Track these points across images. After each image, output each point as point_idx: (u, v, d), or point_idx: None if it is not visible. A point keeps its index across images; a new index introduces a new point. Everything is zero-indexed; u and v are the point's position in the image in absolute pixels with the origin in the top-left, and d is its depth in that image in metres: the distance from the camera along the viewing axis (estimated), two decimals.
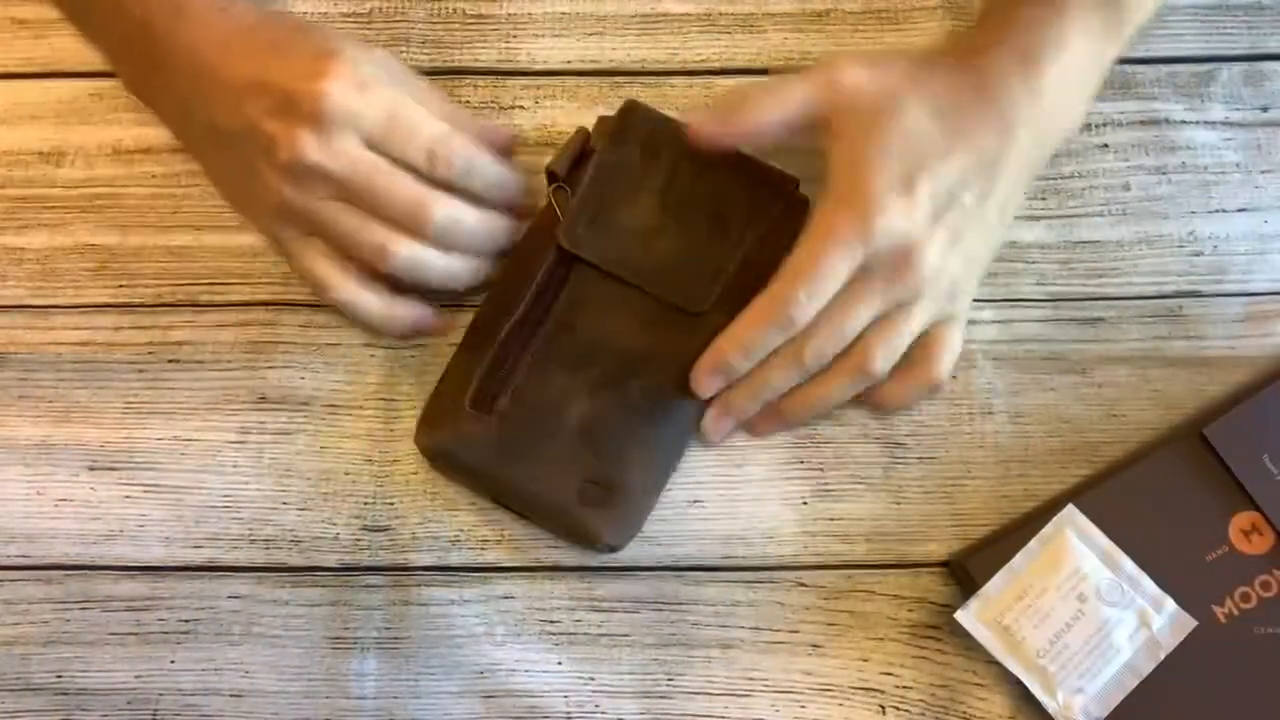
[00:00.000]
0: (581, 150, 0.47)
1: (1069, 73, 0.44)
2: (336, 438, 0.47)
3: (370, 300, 0.45)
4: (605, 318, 0.45)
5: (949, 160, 0.42)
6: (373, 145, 0.42)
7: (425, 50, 0.51)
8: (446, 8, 0.52)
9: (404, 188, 0.42)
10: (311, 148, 0.41)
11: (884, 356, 0.43)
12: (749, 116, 0.44)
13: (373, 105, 0.42)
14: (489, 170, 0.45)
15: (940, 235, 0.43)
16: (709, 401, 0.45)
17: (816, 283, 0.42)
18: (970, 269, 0.45)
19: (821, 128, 0.44)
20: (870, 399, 0.46)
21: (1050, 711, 0.43)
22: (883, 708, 0.45)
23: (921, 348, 0.45)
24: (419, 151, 0.42)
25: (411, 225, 0.43)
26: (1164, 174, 0.50)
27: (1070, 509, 0.45)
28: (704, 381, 0.44)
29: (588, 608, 0.46)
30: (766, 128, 0.44)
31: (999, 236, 0.46)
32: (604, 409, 0.44)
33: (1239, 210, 0.50)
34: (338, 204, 0.43)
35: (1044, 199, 0.50)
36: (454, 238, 0.44)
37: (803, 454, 0.47)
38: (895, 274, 0.42)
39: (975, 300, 0.48)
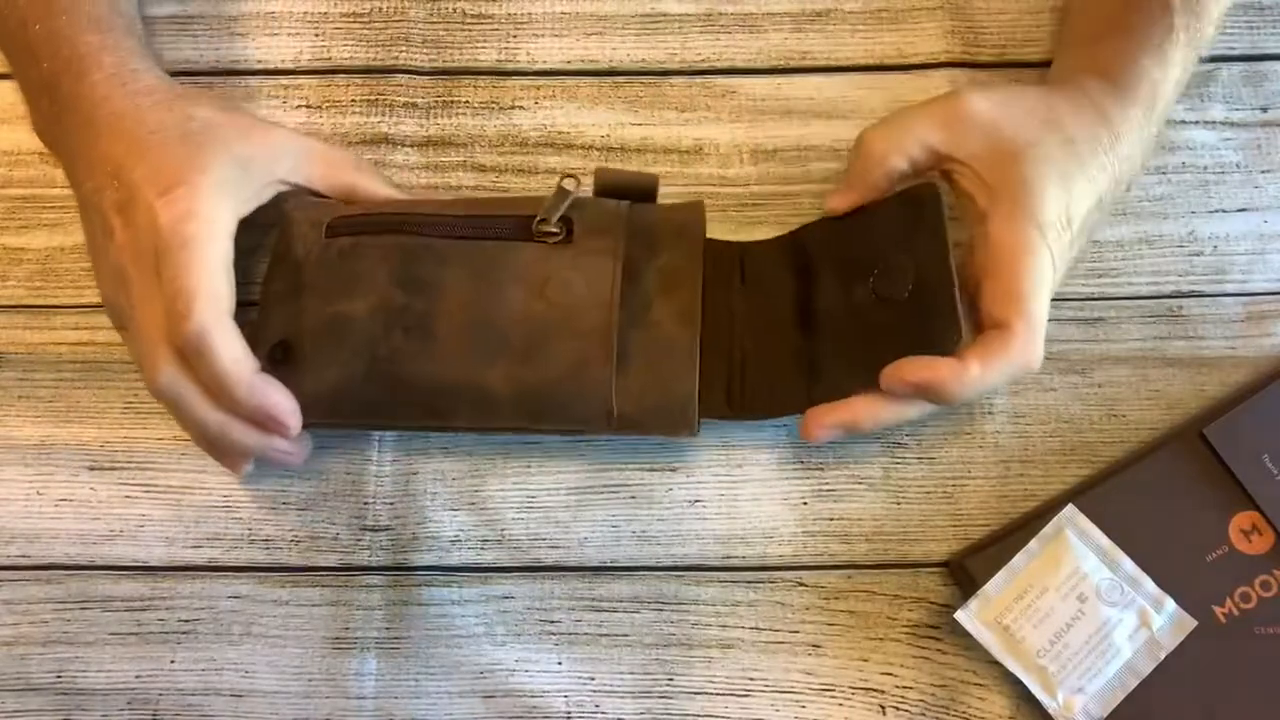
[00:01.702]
0: (640, 192, 0.46)
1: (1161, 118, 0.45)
2: (336, 438, 0.47)
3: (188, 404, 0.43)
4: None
5: (1080, 199, 0.43)
6: (157, 272, 0.41)
7: (425, 50, 0.51)
8: (446, 8, 0.52)
9: (146, 336, 0.41)
10: (129, 260, 0.41)
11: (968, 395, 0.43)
12: (875, 173, 0.44)
13: (178, 235, 0.40)
14: (215, 360, 0.40)
15: (1075, 251, 0.45)
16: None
17: (977, 390, 0.42)
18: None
19: (947, 165, 0.44)
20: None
21: (1050, 711, 0.43)
22: (883, 708, 0.45)
23: None
24: (172, 295, 0.40)
25: (170, 330, 0.41)
26: (1164, 174, 0.50)
27: (1070, 509, 0.45)
28: (821, 435, 0.43)
29: (588, 608, 0.46)
30: (891, 178, 0.44)
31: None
32: (367, 329, 0.43)
33: (1239, 210, 0.50)
34: (133, 313, 0.42)
35: None
36: (176, 409, 0.42)
37: (803, 454, 0.47)
38: (1019, 358, 0.42)
39: None
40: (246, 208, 0.43)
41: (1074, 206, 0.43)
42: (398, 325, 0.43)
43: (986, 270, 0.42)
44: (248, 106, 0.50)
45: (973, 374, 0.41)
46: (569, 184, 0.44)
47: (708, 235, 0.46)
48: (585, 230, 0.44)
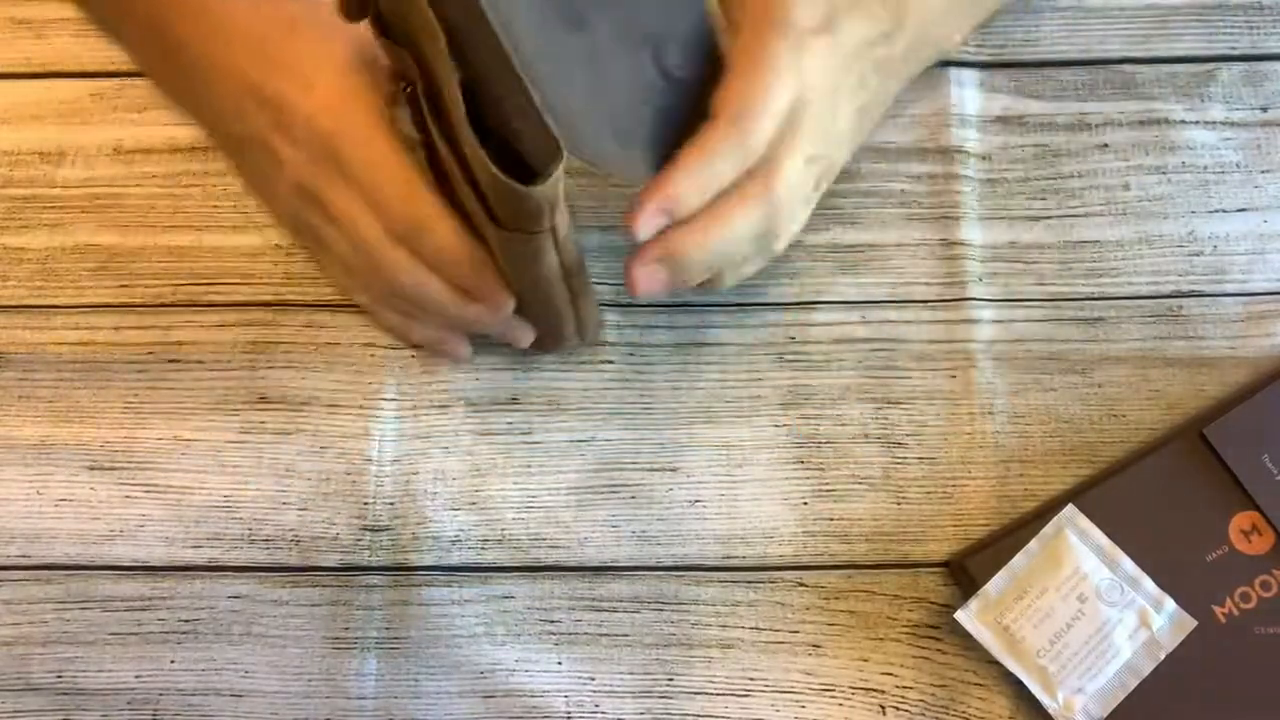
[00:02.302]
0: None
1: None
2: (336, 438, 0.47)
3: (389, 316, 0.47)
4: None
5: (855, 13, 0.43)
6: (346, 175, 0.41)
7: None
8: None
9: (368, 238, 0.42)
10: (309, 176, 0.41)
11: (786, 185, 0.42)
12: None
13: (346, 136, 0.41)
14: (433, 241, 0.41)
15: (853, 79, 0.44)
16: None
17: (772, 111, 0.40)
18: (862, 122, 0.46)
19: None
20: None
21: (1050, 711, 0.43)
22: (883, 708, 0.45)
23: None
24: (371, 194, 0.41)
25: (390, 225, 0.42)
26: (1164, 174, 0.50)
27: (1070, 509, 0.45)
28: (644, 223, 0.39)
29: (588, 608, 0.46)
30: None
31: (883, 99, 0.47)
32: None
33: (1239, 210, 0.50)
34: (331, 227, 0.43)
35: (1044, 199, 0.50)
36: (420, 300, 0.43)
37: (803, 454, 0.47)
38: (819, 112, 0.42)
39: (975, 300, 0.48)
40: (381, 89, 0.42)
41: (838, 18, 0.42)
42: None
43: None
44: None
45: (682, 171, 0.39)
46: None
47: None
48: None
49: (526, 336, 0.45)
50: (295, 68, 0.41)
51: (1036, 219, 0.50)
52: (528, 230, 0.38)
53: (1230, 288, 0.49)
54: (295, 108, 0.40)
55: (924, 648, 0.45)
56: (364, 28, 0.39)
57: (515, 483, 0.47)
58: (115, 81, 0.51)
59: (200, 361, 0.48)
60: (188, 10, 0.42)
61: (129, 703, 0.45)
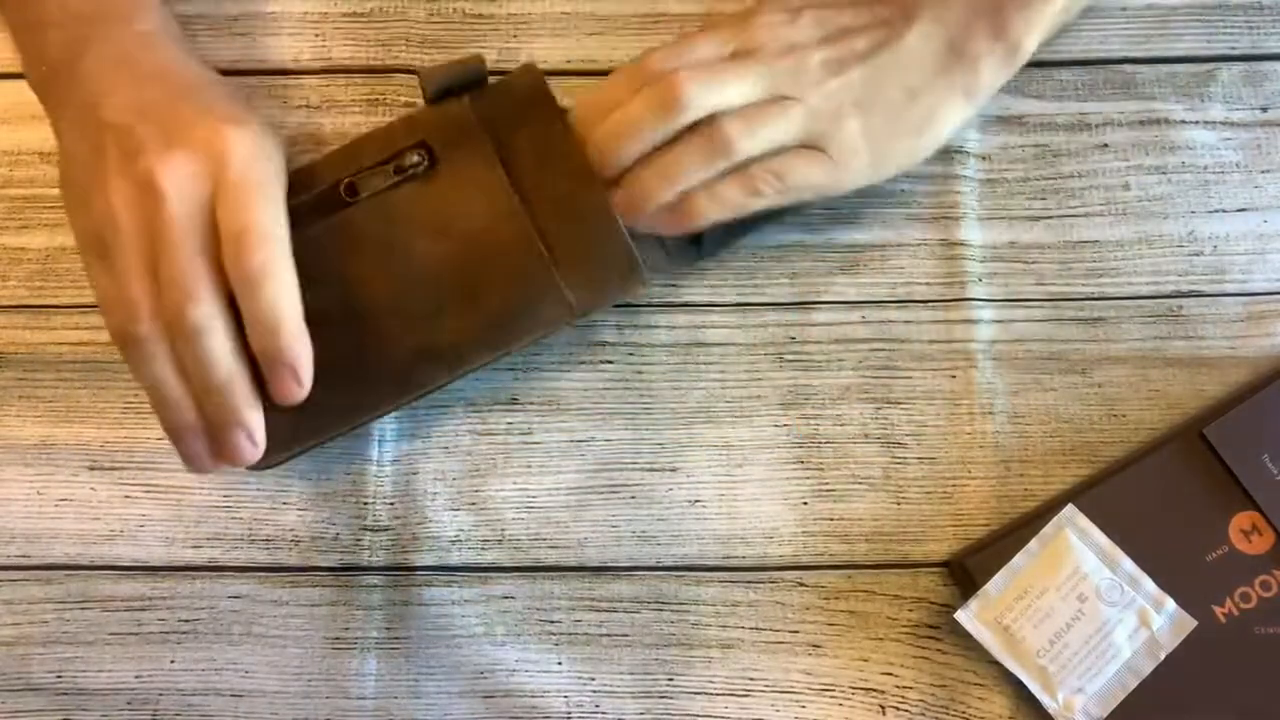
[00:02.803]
0: (470, 80, 0.45)
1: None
2: (337, 438, 0.47)
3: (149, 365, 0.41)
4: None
5: (840, 7, 0.45)
6: (213, 201, 0.40)
7: (425, 50, 0.51)
8: (446, 8, 0.52)
9: (187, 265, 0.39)
10: (168, 174, 0.39)
11: (742, 134, 0.43)
12: None
13: (250, 170, 0.40)
14: (275, 293, 0.39)
15: (829, 52, 0.44)
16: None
17: (689, 53, 0.43)
18: (868, 124, 0.44)
19: None
20: (678, 205, 0.44)
21: (1050, 711, 0.43)
22: (883, 708, 0.45)
23: (762, 160, 0.44)
24: (242, 226, 0.39)
25: (167, 302, 0.39)
26: (1164, 174, 0.50)
27: (1070, 509, 0.45)
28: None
29: (588, 608, 0.46)
30: None
31: (909, 129, 0.45)
32: None
33: (1239, 210, 0.50)
34: (139, 240, 0.39)
35: (1044, 199, 0.50)
36: (193, 347, 0.39)
37: (803, 454, 0.47)
38: (777, 60, 0.43)
39: (975, 300, 0.48)
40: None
41: None
42: (330, 329, 0.42)
43: None
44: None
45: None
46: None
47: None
48: (444, 146, 0.44)
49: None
50: (217, 106, 0.41)
51: (1036, 219, 0.50)
52: None
53: (1230, 288, 0.49)
54: (204, 124, 0.40)
55: (924, 648, 0.45)
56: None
57: (515, 483, 0.47)
58: None
59: None
60: (146, 32, 0.43)
61: (129, 703, 0.45)
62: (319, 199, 0.44)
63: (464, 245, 0.43)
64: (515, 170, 0.44)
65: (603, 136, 0.44)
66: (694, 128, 0.43)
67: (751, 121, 0.43)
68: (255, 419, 0.41)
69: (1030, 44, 0.45)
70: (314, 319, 0.41)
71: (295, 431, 0.43)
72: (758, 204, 0.44)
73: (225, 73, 0.51)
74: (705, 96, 0.43)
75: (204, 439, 0.41)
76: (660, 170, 0.44)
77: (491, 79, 0.46)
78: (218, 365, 0.40)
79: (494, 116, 0.44)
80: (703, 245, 0.47)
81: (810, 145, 0.44)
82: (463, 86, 0.45)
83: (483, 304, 0.43)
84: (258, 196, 0.40)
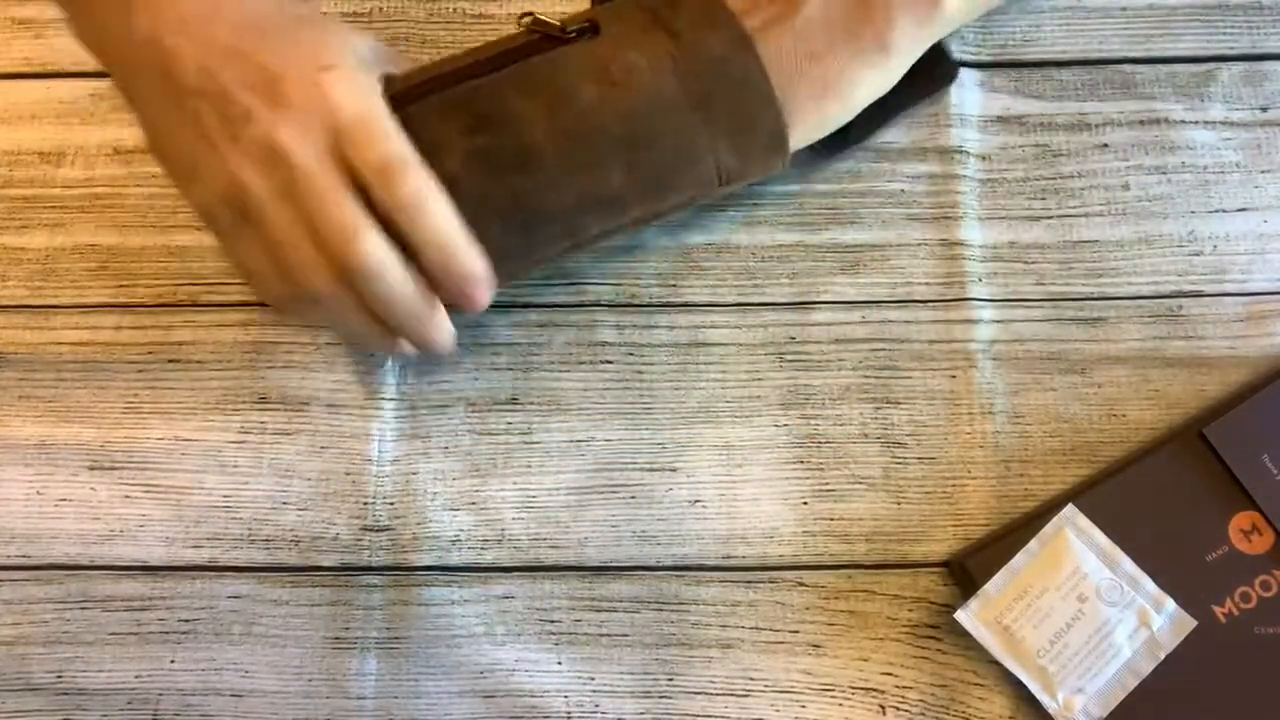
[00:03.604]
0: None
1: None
2: (336, 438, 0.47)
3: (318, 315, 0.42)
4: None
5: None
6: (337, 146, 0.39)
7: (425, 50, 0.51)
8: (446, 8, 0.52)
9: (341, 209, 0.38)
10: (287, 134, 0.38)
11: None
12: None
13: (360, 108, 0.39)
14: (435, 219, 0.40)
15: None
16: None
17: None
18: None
19: None
20: None
21: (1050, 711, 0.43)
22: (883, 708, 0.45)
23: None
24: (379, 161, 0.39)
25: (335, 253, 0.38)
26: (1164, 174, 0.50)
27: (1070, 509, 0.45)
28: None
29: (588, 608, 0.46)
30: None
31: (818, 90, 0.45)
32: (468, 184, 0.42)
33: (1239, 210, 0.50)
34: (283, 204, 0.38)
35: (1044, 199, 0.50)
36: (372, 287, 0.39)
37: (803, 454, 0.47)
38: None
39: (975, 300, 0.48)
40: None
41: None
42: (500, 168, 0.42)
43: None
44: None
45: None
46: (524, 21, 0.43)
47: None
48: (609, 19, 0.44)
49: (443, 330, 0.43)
50: (296, 49, 0.39)
51: (1036, 219, 0.50)
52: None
53: (1230, 288, 0.49)
54: (293, 75, 0.38)
55: (924, 648, 0.45)
56: (361, 35, 0.42)
57: (515, 483, 0.47)
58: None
59: (200, 361, 0.48)
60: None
61: (129, 703, 0.45)
62: (492, 56, 0.43)
63: (626, 96, 0.43)
64: (674, 35, 0.44)
65: None
66: None
67: None
68: (446, 325, 0.43)
69: (951, 7, 0.45)
70: (490, 157, 0.42)
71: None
72: None
73: None
74: None
75: (406, 344, 0.44)
76: None
77: None
78: (403, 298, 0.40)
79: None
80: (850, 134, 0.48)
81: None
82: None
83: (642, 158, 0.43)
84: (381, 128, 0.39)
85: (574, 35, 0.43)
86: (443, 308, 0.42)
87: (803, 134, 0.45)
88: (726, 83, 0.43)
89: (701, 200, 0.46)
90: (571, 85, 0.42)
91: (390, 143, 0.39)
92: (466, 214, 0.41)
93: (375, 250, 0.39)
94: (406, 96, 0.42)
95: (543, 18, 0.43)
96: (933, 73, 0.49)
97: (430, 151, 0.41)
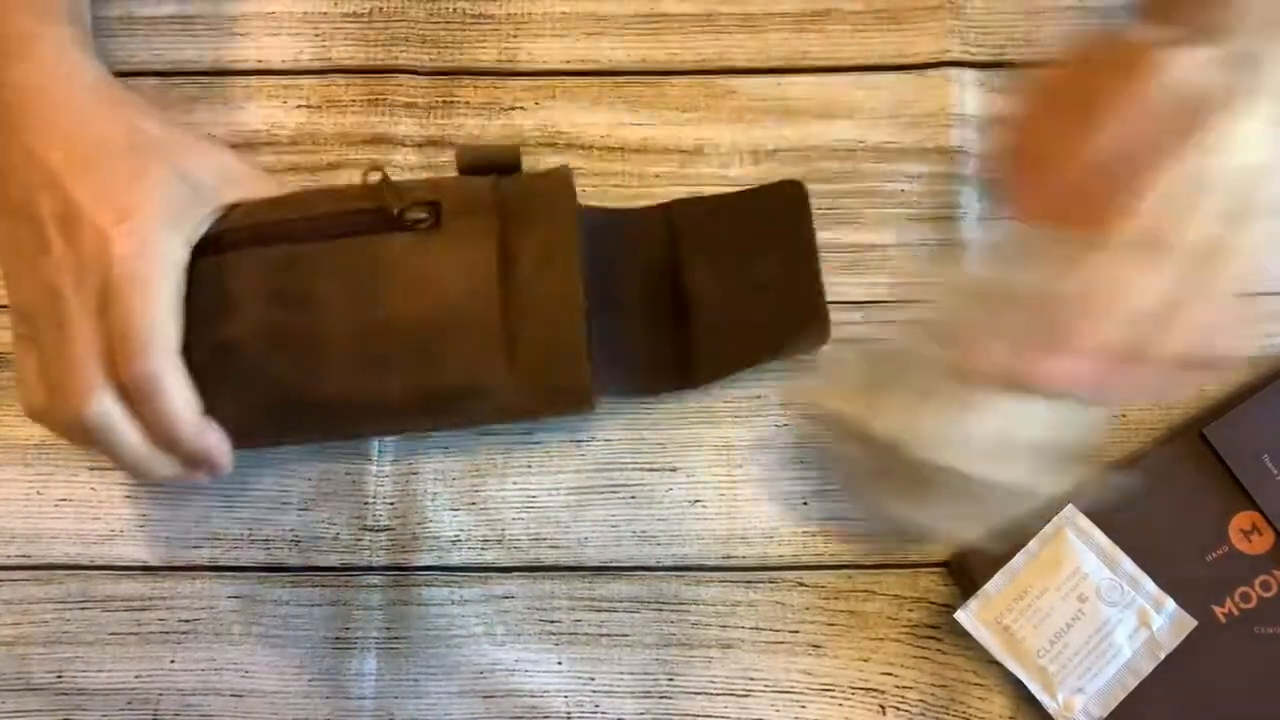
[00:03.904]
0: (503, 164, 0.45)
1: None
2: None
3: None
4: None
5: None
6: (103, 303, 0.39)
7: (425, 50, 0.51)
8: (446, 8, 0.52)
9: (81, 366, 0.39)
10: (66, 278, 0.39)
11: None
12: None
13: (132, 272, 0.39)
14: (164, 403, 0.40)
15: None
16: None
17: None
18: None
19: None
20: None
21: (1050, 711, 0.43)
22: (883, 708, 0.45)
23: None
24: (124, 334, 0.39)
25: (70, 403, 0.39)
26: None
27: (1070, 509, 0.45)
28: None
29: (588, 608, 0.46)
30: None
31: None
32: (253, 353, 0.42)
33: None
34: (54, 335, 0.40)
35: None
36: (103, 440, 0.40)
37: (803, 454, 0.47)
38: None
39: None
40: (196, 234, 0.41)
41: None
42: (284, 346, 0.42)
43: None
44: (247, 106, 0.50)
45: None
46: (373, 177, 0.43)
47: (582, 204, 0.45)
48: (453, 212, 0.43)
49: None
50: (111, 187, 0.40)
51: None
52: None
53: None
54: (90, 221, 0.39)
55: (924, 648, 0.45)
56: (209, 161, 0.42)
57: (515, 483, 0.47)
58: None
59: None
60: (20, 74, 0.41)
61: (129, 703, 0.45)
62: (321, 218, 0.43)
63: (431, 310, 0.42)
64: (509, 260, 0.43)
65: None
66: None
67: None
68: (209, 460, 0.42)
69: None
70: (277, 331, 0.42)
71: (233, 435, 0.42)
72: None
73: (226, 73, 0.51)
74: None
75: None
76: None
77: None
78: (135, 456, 0.41)
79: (512, 203, 0.44)
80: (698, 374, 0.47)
81: None
82: (494, 168, 0.45)
83: (428, 374, 0.42)
84: (141, 297, 0.39)
85: (411, 225, 0.42)
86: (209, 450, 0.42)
87: None
88: (540, 324, 0.42)
89: (486, 425, 0.46)
90: (379, 286, 0.42)
91: (143, 318, 0.39)
92: (241, 380, 0.42)
93: (100, 414, 0.39)
94: (227, 240, 0.42)
95: (390, 182, 0.43)
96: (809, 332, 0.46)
97: (229, 307, 0.41)
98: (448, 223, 0.43)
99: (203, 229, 0.42)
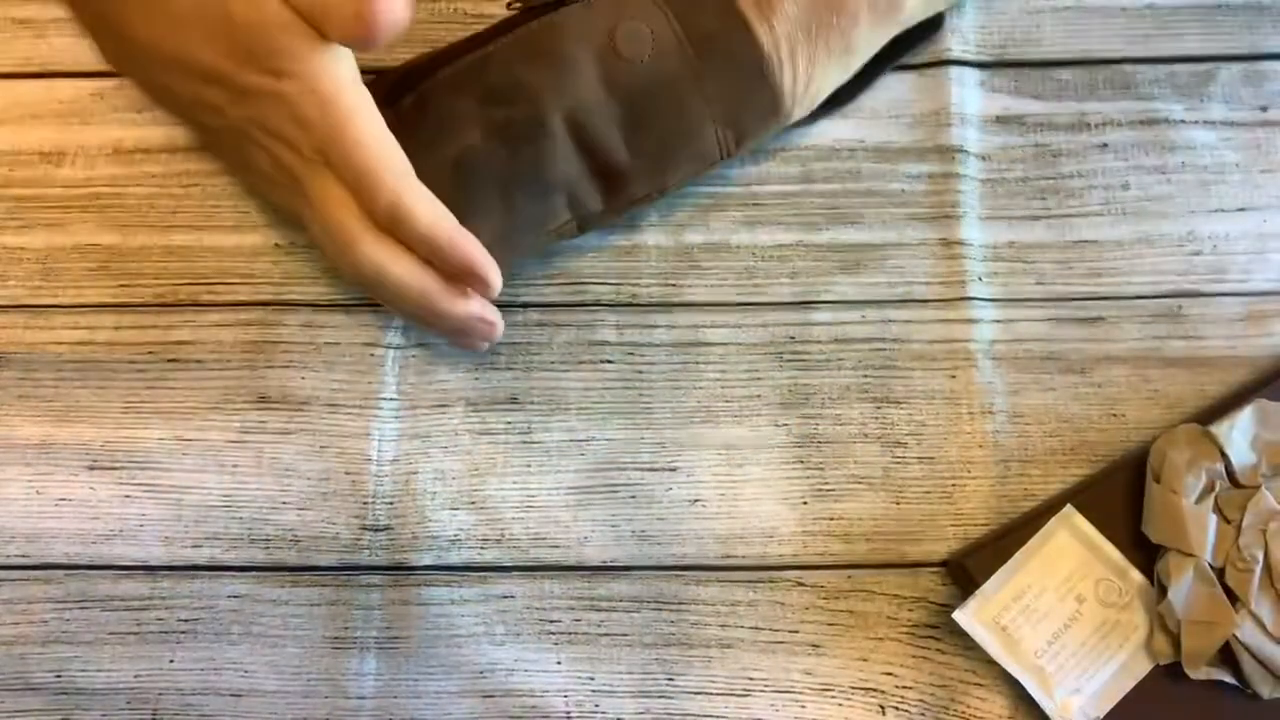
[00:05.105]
0: None
1: None
2: (336, 437, 0.47)
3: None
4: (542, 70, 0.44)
5: None
6: (326, 161, 0.40)
7: (425, 50, 0.51)
8: (446, 8, 0.52)
9: (335, 221, 0.41)
10: (289, 159, 0.40)
11: None
12: None
13: (329, 122, 0.39)
14: (415, 225, 0.40)
15: None
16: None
17: None
18: None
19: None
20: None
21: (1047, 711, 0.43)
22: (882, 708, 0.45)
23: None
24: (354, 178, 0.40)
25: (343, 256, 0.41)
26: (1163, 174, 0.50)
27: (1069, 509, 0.45)
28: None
29: (588, 608, 0.46)
30: None
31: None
32: (488, 155, 0.43)
33: (1238, 210, 0.50)
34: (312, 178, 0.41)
35: (1044, 199, 0.50)
36: (380, 281, 0.41)
37: (803, 454, 0.47)
38: None
39: (975, 300, 0.48)
40: (350, 57, 0.41)
41: None
42: (516, 139, 0.43)
43: None
44: None
45: None
46: None
47: None
48: None
49: (488, 327, 0.45)
50: (254, 54, 0.39)
51: (1036, 219, 0.50)
52: None
53: (1230, 287, 0.49)
54: (271, 95, 0.39)
55: (924, 648, 0.45)
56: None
57: (515, 482, 0.47)
58: (115, 81, 0.51)
59: (200, 361, 0.48)
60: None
61: (128, 702, 0.45)
62: (504, 21, 0.44)
63: (629, 68, 0.43)
64: (667, 3, 0.44)
65: None
66: None
67: None
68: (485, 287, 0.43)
69: None
70: (507, 129, 0.43)
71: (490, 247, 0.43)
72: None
73: None
74: None
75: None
76: None
77: None
78: (413, 289, 0.42)
79: None
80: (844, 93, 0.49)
81: None
82: None
83: (647, 131, 0.44)
84: (351, 136, 0.39)
85: (568, 1, 0.44)
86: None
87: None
88: (721, 55, 0.44)
89: (705, 173, 0.47)
90: (574, 55, 0.43)
91: (360, 155, 0.39)
92: (491, 185, 0.43)
93: (367, 260, 0.41)
94: (417, 73, 0.44)
95: None
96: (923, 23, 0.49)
97: (450, 123, 0.43)
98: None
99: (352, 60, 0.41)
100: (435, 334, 0.47)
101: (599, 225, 0.48)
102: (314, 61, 0.39)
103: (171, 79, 0.41)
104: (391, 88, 0.44)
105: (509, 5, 0.45)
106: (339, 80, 0.40)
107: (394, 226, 0.40)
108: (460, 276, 0.42)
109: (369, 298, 0.48)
